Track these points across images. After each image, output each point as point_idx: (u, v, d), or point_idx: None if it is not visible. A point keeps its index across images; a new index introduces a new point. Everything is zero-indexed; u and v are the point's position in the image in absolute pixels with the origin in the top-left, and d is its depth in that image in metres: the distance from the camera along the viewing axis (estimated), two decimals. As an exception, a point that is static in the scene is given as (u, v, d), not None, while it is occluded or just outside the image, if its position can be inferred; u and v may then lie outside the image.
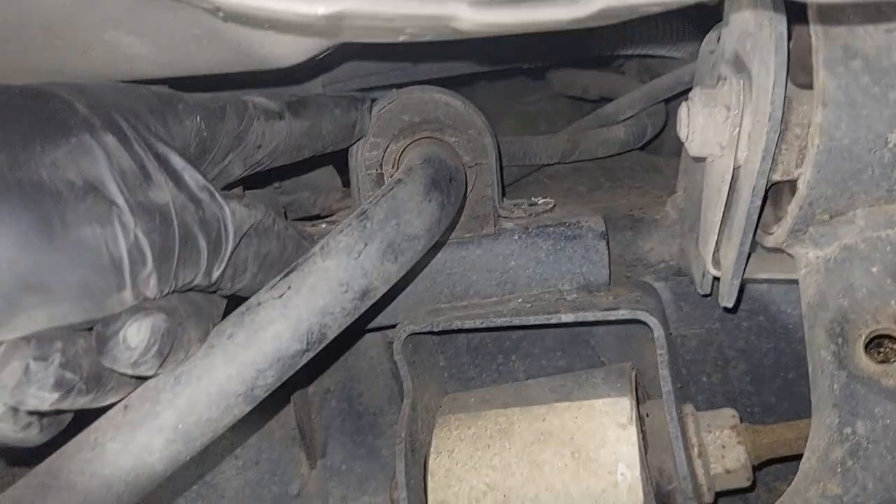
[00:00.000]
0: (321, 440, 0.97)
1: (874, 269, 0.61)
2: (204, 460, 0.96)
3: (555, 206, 0.86)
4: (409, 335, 0.80)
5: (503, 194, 0.85)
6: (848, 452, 0.58)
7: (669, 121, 1.12)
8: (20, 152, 0.46)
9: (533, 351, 0.93)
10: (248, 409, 0.57)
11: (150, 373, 0.53)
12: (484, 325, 0.79)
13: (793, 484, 0.60)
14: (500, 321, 0.79)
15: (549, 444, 0.72)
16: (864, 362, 0.59)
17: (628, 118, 1.06)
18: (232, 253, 0.56)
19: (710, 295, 0.83)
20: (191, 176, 0.54)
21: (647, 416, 0.76)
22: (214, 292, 0.60)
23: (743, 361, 0.89)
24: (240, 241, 0.57)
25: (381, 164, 0.77)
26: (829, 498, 0.56)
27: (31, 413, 0.52)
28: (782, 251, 0.70)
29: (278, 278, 0.58)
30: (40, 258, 0.46)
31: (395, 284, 0.78)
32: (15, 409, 0.51)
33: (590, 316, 0.76)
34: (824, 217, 0.63)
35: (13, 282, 0.45)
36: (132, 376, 0.54)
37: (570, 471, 0.70)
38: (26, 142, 0.47)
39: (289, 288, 0.57)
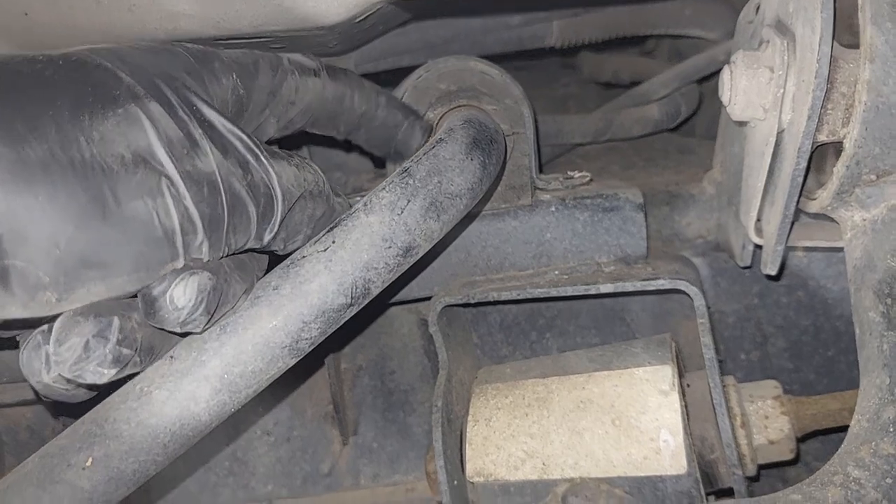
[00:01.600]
0: (353, 417, 0.97)
1: (924, 229, 0.60)
2: (235, 436, 0.97)
3: (591, 179, 0.86)
4: (445, 307, 0.80)
5: (540, 168, 0.85)
6: (900, 412, 0.57)
7: (703, 101, 1.11)
8: (70, 129, 0.46)
9: (567, 328, 0.92)
10: (292, 361, 0.57)
11: (198, 330, 0.53)
12: (520, 297, 0.79)
13: (842, 446, 0.59)
14: (536, 292, 0.78)
15: (589, 412, 0.71)
16: (916, 321, 0.58)
17: (662, 98, 1.05)
18: (284, 217, 0.56)
19: (749, 268, 0.82)
20: (237, 138, 0.54)
21: (688, 386, 0.75)
22: (267, 253, 0.60)
23: (782, 338, 0.88)
24: (293, 204, 0.57)
25: (418, 133, 0.77)
26: (882, 457, 0.55)
27: None
28: (826, 217, 0.69)
29: (323, 233, 0.58)
30: (96, 235, 0.46)
31: (430, 253, 0.79)
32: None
33: (629, 286, 0.75)
34: (871, 177, 0.62)
35: (72, 259, 0.46)
36: (180, 333, 0.54)
37: (610, 438, 0.69)
38: (74, 116, 0.47)
39: (333, 242, 0.57)
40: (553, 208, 0.81)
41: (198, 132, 0.52)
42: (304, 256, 0.57)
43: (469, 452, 0.74)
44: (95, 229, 0.46)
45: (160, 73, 0.53)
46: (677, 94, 1.06)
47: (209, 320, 0.52)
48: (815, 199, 0.67)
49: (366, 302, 0.59)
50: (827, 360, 0.87)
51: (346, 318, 0.58)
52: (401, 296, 0.84)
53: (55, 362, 0.48)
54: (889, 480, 0.54)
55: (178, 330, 0.52)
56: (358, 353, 0.97)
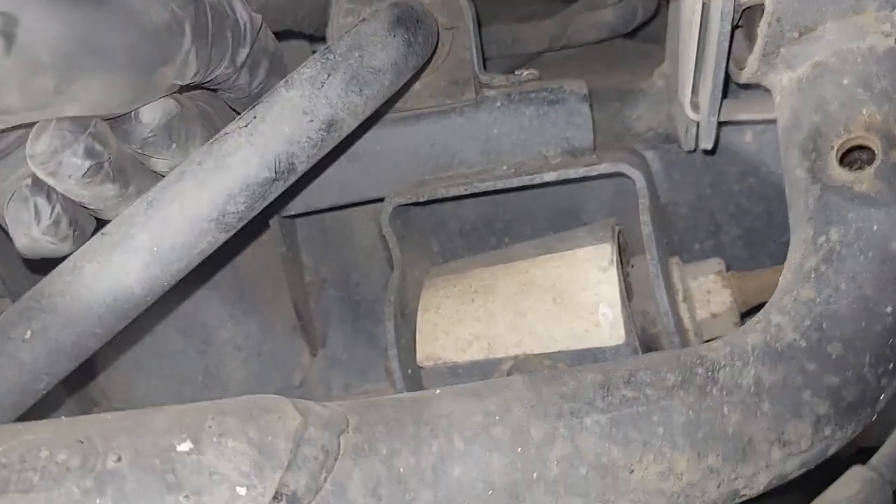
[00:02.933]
0: (321, 330, 0.99)
1: (845, 81, 0.60)
2: (207, 351, 0.99)
3: (540, 77, 0.86)
4: (396, 207, 0.81)
5: (484, 66, 0.85)
6: (822, 259, 0.57)
7: (661, 7, 1.10)
8: None
9: (524, 231, 0.93)
10: (222, 236, 0.59)
11: (159, 155, 0.58)
12: (468, 192, 0.80)
13: (769, 300, 0.60)
14: (483, 186, 0.79)
15: (532, 293, 0.72)
16: (837, 172, 0.59)
17: (618, 2, 1.05)
18: (254, 40, 0.60)
19: (693, 152, 0.82)
20: None
21: (632, 267, 0.76)
22: (233, 91, 0.63)
23: (735, 226, 0.88)
24: (258, 32, 0.61)
25: (357, 30, 0.78)
26: (801, 302, 0.56)
27: (70, 226, 0.57)
28: (760, 87, 0.69)
29: (245, 111, 0.60)
30: (93, 19, 0.49)
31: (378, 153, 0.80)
32: (57, 224, 0.56)
33: (571, 173, 0.76)
34: (794, 35, 0.62)
35: (71, 42, 0.48)
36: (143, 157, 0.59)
37: (552, 315, 0.71)
38: None
39: (254, 118, 0.59)
40: (499, 103, 0.82)
41: None
42: (226, 133, 0.58)
43: (419, 339, 0.76)
44: (93, 14, 0.49)
45: None
46: (634, -3, 1.05)
47: (169, 148, 0.58)
48: (745, 67, 0.67)
49: (292, 178, 0.60)
50: (781, 245, 0.87)
51: (275, 194, 0.60)
52: (353, 196, 0.85)
53: (30, 156, 0.51)
54: (807, 322, 0.55)
55: (140, 149, 0.57)
56: (321, 265, 0.98)
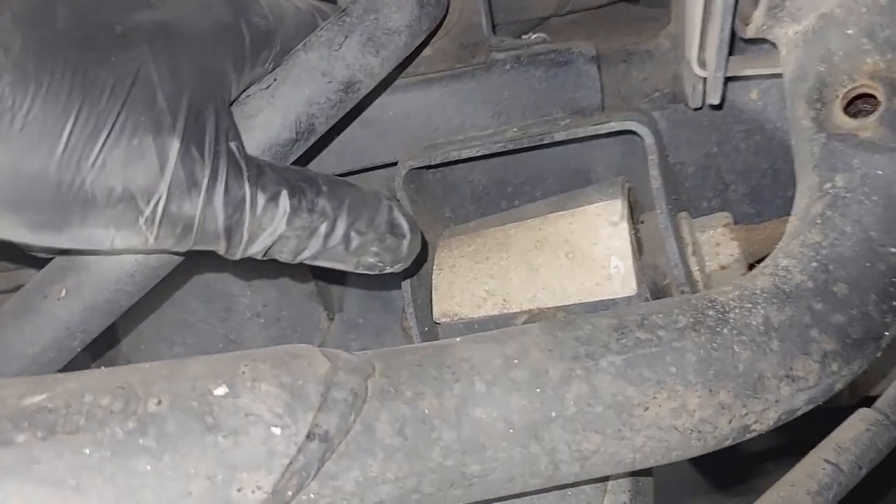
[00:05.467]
0: (338, 295, 1.01)
1: (850, 32, 0.61)
2: (228, 319, 1.01)
3: (547, 41, 0.87)
4: (409, 171, 0.83)
5: (494, 30, 0.86)
6: (827, 205, 0.59)
7: (666, -31, 1.11)
8: (77, 145, 0.47)
9: (535, 194, 0.95)
10: (247, 194, 0.60)
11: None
12: (480, 153, 0.81)
13: (777, 247, 0.61)
14: (495, 147, 0.80)
15: (545, 249, 0.74)
16: (842, 119, 0.60)
17: (622, -34, 1.06)
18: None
19: (700, 109, 0.84)
20: (246, 179, 0.54)
21: (643, 222, 0.78)
22: None
23: (742, 184, 0.90)
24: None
25: None
26: (808, 245, 0.58)
27: None
28: (765, 42, 0.70)
29: (267, 76, 0.61)
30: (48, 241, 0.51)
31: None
32: None
33: (581, 131, 0.78)
34: (799, -14, 0.63)
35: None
36: None
37: (565, 270, 0.73)
38: (91, 136, 0.47)
39: (274, 80, 0.60)
40: (508, 66, 0.83)
41: (204, 175, 0.52)
42: (248, 95, 0.60)
43: (435, 297, 0.78)
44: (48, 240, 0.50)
45: (201, 94, 0.52)
46: (638, -40, 1.06)
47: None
48: (750, 23, 0.69)
49: (312, 139, 0.62)
50: (787, 201, 0.89)
51: (296, 155, 0.62)
52: (368, 161, 0.86)
53: None
54: (814, 264, 0.57)
55: None
56: (337, 232, 1.00)
